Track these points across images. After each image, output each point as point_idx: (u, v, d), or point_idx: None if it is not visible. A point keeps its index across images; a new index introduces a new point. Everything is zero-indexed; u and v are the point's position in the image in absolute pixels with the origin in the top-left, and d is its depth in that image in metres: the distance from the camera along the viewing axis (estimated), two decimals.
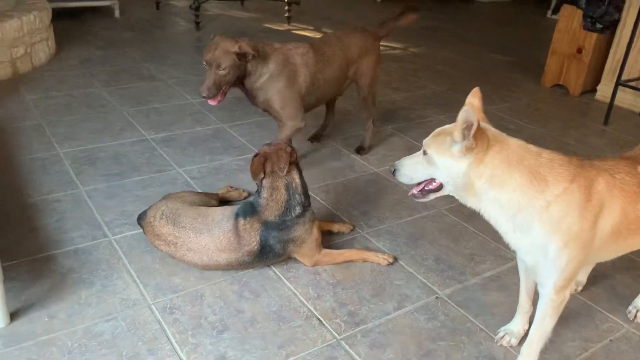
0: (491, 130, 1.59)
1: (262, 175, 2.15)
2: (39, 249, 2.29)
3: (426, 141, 1.64)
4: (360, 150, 3.36)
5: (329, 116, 3.48)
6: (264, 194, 2.17)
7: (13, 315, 1.93)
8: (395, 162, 1.74)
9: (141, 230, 2.38)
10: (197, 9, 5.84)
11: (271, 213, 2.16)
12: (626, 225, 1.62)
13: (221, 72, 2.60)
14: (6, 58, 4.06)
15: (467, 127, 1.48)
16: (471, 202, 1.63)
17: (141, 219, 2.33)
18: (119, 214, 2.58)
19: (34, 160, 3.00)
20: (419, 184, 1.72)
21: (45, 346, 1.82)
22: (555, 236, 1.55)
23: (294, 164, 2.20)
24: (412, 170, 1.69)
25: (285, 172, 2.14)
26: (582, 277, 2.28)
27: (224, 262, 2.17)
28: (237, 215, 2.20)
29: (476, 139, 1.49)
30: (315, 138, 3.47)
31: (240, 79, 2.70)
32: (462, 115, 1.48)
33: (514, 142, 1.58)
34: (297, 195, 2.19)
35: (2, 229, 2.39)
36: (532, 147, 1.60)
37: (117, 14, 6.19)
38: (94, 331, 1.90)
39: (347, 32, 3.11)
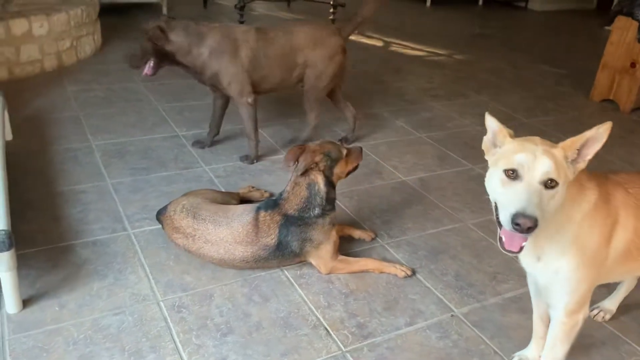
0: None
1: (292, 164, 2.18)
2: (60, 238, 2.33)
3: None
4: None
5: (348, 117, 3.45)
6: (288, 187, 2.22)
7: (26, 303, 1.97)
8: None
9: (160, 226, 2.39)
10: (242, 8, 5.88)
11: (291, 207, 2.19)
12: (637, 245, 1.50)
13: (144, 45, 2.81)
14: (52, 50, 4.20)
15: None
16: (559, 220, 1.45)
17: (160, 214, 2.35)
18: (141, 208, 2.60)
19: (67, 151, 3.07)
20: None
21: (52, 335, 1.85)
22: (569, 255, 1.45)
23: (319, 170, 2.18)
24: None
25: (300, 172, 2.14)
26: (612, 306, 2.14)
27: (240, 255, 2.16)
28: (258, 209, 2.22)
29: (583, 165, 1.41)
30: (345, 140, 3.42)
31: (173, 57, 2.86)
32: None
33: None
34: (318, 198, 2.18)
35: (27, 215, 2.45)
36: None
37: (164, 10, 6.32)
38: (101, 324, 1.91)
39: (300, 22, 3.24)
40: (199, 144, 3.26)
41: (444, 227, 2.68)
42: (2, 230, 1.84)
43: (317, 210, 2.19)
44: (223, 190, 2.77)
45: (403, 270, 2.29)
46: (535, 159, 1.32)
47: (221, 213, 2.23)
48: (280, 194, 2.24)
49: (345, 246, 2.43)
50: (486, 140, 1.50)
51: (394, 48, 5.94)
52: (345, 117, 3.46)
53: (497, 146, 1.45)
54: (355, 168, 2.36)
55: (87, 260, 2.23)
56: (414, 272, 2.31)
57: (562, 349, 1.61)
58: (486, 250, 2.51)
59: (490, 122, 1.47)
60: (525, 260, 1.56)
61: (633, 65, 4.41)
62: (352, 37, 6.11)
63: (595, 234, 1.45)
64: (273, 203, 2.24)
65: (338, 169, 2.24)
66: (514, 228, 1.28)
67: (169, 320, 1.96)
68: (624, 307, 2.18)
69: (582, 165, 1.39)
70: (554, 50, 6.50)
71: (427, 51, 5.90)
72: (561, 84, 5.16)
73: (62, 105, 3.65)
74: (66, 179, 2.79)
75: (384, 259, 2.38)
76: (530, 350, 1.86)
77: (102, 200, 2.64)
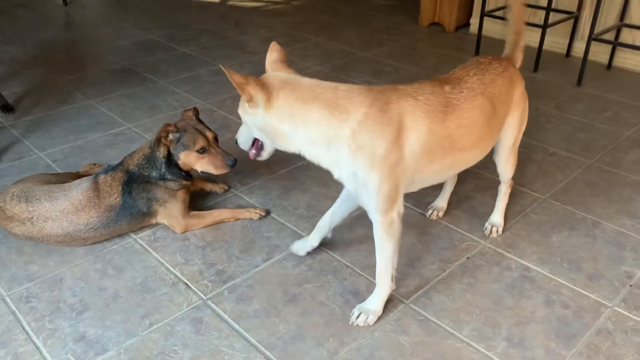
0: (281, 75, 1.68)
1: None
2: None
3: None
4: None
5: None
6: (138, 147, 2.28)
7: None
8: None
9: None
10: None
11: (132, 162, 2.21)
12: (438, 144, 1.68)
13: None
14: None
15: (238, 85, 1.60)
16: (290, 147, 1.71)
17: None
18: None
19: None
20: (253, 144, 1.83)
21: None
22: (361, 162, 1.61)
23: (164, 143, 2.17)
24: (241, 135, 1.84)
25: (154, 139, 2.20)
26: (442, 203, 2.38)
27: (85, 223, 2.11)
28: (97, 175, 2.21)
29: (252, 91, 1.60)
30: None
31: None
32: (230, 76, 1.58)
33: (307, 81, 1.66)
34: (157, 163, 2.19)
35: None
36: (327, 83, 1.66)
37: None
38: None
39: None
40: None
41: (294, 165, 2.77)
42: None
43: (155, 173, 2.19)
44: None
45: (257, 213, 2.36)
46: None
47: (56, 189, 2.16)
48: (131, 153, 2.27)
49: (199, 202, 2.45)
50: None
51: (231, 3, 5.85)
52: None
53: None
54: (216, 174, 2.27)
55: None
56: (268, 212, 2.40)
57: (388, 246, 1.78)
58: (332, 180, 2.64)
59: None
60: (334, 172, 1.72)
61: None
62: None
63: (377, 139, 1.59)
64: (115, 165, 2.24)
65: (184, 157, 2.19)
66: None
67: (17, 313, 1.87)
68: (455, 202, 2.44)
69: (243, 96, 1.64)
70: None
71: (265, 1, 5.88)
72: (393, 14, 5.43)
73: None
74: None
75: (239, 207, 2.43)
76: (310, 239, 2.14)
77: None
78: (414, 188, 1.84)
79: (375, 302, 1.84)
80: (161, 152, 2.18)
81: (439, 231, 2.29)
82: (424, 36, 4.81)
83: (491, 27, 4.45)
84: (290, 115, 1.61)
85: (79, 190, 2.14)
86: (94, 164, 2.67)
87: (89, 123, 3.16)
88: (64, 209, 2.10)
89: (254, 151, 1.84)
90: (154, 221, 2.26)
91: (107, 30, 4.85)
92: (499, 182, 2.28)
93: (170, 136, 2.17)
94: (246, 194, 2.55)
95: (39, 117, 3.24)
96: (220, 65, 1.59)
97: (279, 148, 1.77)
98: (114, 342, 1.76)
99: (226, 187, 2.57)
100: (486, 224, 2.29)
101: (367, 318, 1.82)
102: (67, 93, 3.55)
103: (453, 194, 2.40)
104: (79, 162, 2.75)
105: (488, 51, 4.29)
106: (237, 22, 5.15)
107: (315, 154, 1.68)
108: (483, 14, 4.18)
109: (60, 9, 5.51)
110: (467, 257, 2.14)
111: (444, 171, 1.88)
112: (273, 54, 1.75)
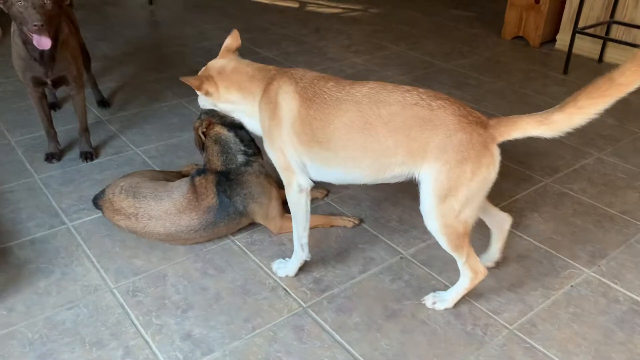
0: (218, 63, 2.01)
1: (200, 141, 2.28)
2: None
3: None
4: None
5: None
6: (205, 153, 2.29)
7: None
8: None
9: (100, 215, 2.33)
10: None
11: (216, 165, 2.23)
12: (301, 126, 1.84)
13: None
14: None
15: (196, 87, 1.98)
16: (242, 120, 2.07)
17: (98, 199, 2.28)
18: (76, 199, 2.51)
19: None
20: None
21: (4, 340, 1.79)
22: (263, 135, 1.96)
23: (212, 124, 2.24)
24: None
25: (201, 131, 2.25)
26: (491, 255, 2.11)
27: (186, 224, 2.15)
28: (192, 176, 2.25)
29: (207, 87, 1.96)
30: None
31: None
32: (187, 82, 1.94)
33: (230, 68, 1.98)
34: (231, 145, 2.24)
35: None
36: (244, 68, 1.98)
37: None
38: (55, 320, 1.87)
39: None
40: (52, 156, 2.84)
41: None
42: None
43: (239, 158, 2.23)
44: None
45: (351, 221, 2.36)
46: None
47: (161, 189, 2.22)
48: (204, 162, 2.30)
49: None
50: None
51: (310, 8, 5.90)
52: None
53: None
54: None
55: (27, 260, 2.14)
56: (361, 221, 2.39)
57: (294, 214, 2.01)
58: None
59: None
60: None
61: (537, 1, 4.62)
62: (265, 1, 6.03)
63: (265, 116, 1.92)
64: (203, 169, 2.27)
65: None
66: None
67: (125, 306, 1.93)
68: (555, 227, 2.36)
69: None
70: None
71: (343, 8, 5.90)
72: (473, 26, 5.34)
73: None
74: None
75: (331, 214, 2.44)
76: None
77: (32, 197, 2.52)
78: (318, 177, 1.97)
79: (288, 269, 2.09)
80: (222, 131, 2.23)
81: (539, 256, 2.22)
82: (508, 50, 4.70)
83: (579, 44, 4.30)
84: (226, 99, 1.99)
85: (180, 192, 2.19)
86: (195, 164, 2.72)
87: (181, 122, 3.24)
88: (167, 210, 2.16)
89: None
90: (250, 221, 2.28)
91: (191, 31, 4.97)
92: (599, 207, 2.17)
93: (209, 120, 2.23)
94: (337, 202, 2.56)
95: (132, 114, 3.36)
96: (180, 78, 1.94)
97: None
98: (219, 344, 1.79)
99: (325, 192, 2.58)
100: (433, 295, 1.98)
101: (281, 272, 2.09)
102: (158, 91, 3.66)
103: (552, 217, 2.33)
104: (174, 161, 2.83)
105: (577, 70, 4.17)
106: (317, 27, 5.18)
107: (251, 127, 2.06)
108: (575, 31, 4.05)
109: (145, 8, 5.70)
110: (571, 286, 2.07)
111: (323, 166, 1.90)
112: (229, 41, 2.08)
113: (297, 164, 1.91)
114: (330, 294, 2.00)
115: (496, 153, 1.72)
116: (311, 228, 2.31)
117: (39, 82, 2.62)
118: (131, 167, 2.77)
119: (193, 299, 1.97)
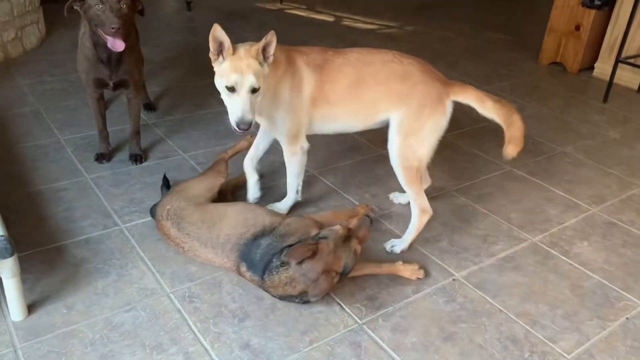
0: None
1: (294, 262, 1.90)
2: (50, 239, 2.25)
3: None
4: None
5: None
6: (278, 271, 1.93)
7: (30, 308, 1.90)
8: None
9: (151, 218, 2.35)
10: None
11: (274, 288, 1.96)
12: (317, 91, 2.17)
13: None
14: None
15: None
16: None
17: (153, 212, 2.30)
18: (128, 201, 2.54)
19: (36, 148, 2.93)
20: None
21: (66, 338, 1.80)
22: (277, 106, 2.18)
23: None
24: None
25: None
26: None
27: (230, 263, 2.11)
28: (241, 258, 2.05)
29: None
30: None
31: None
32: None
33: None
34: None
35: (10, 219, 2.33)
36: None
37: None
38: (115, 322, 1.88)
39: None
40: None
41: (429, 195, 2.74)
42: (1, 236, 1.76)
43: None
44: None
45: (416, 272, 2.17)
46: (243, 77, 1.96)
47: (205, 229, 2.12)
48: (267, 264, 1.95)
49: None
50: (213, 50, 2.04)
51: (345, 23, 5.95)
52: None
53: (222, 57, 2.03)
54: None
55: (84, 259, 2.16)
56: (426, 273, 2.20)
57: (293, 166, 2.36)
58: (472, 215, 2.63)
59: (219, 34, 2.00)
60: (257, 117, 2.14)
61: (577, 28, 4.63)
62: (302, 13, 6.08)
63: (287, 89, 2.15)
64: (255, 265, 1.99)
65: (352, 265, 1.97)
66: (239, 130, 1.98)
67: (183, 312, 1.95)
68: (606, 256, 2.35)
69: (270, 60, 2.03)
70: (498, 17, 6.70)
71: (379, 24, 5.95)
72: (510, 49, 5.35)
73: (18, 100, 3.46)
74: (42, 178, 2.67)
75: (378, 230, 2.44)
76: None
77: (85, 197, 2.55)
78: (321, 131, 2.35)
79: (283, 205, 2.47)
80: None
81: (592, 286, 2.21)
82: (546, 75, 4.71)
83: (619, 74, 4.29)
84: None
85: (225, 255, 2.08)
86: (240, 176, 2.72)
87: (227, 130, 3.24)
88: (212, 259, 2.11)
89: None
90: None
91: (231, 39, 5.01)
92: None
93: (334, 276, 1.91)
94: (384, 218, 2.56)
95: (178, 119, 3.39)
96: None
97: None
98: (277, 355, 1.80)
99: (375, 209, 2.57)
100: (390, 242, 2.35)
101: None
102: (202, 97, 3.70)
103: (602, 247, 2.32)
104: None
105: (616, 99, 4.16)
106: (354, 43, 5.21)
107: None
108: (618, 60, 4.05)
109: (184, 14, 5.78)
110: (627, 318, 2.05)
111: (326, 121, 2.29)
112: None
113: (304, 128, 2.26)
114: (385, 312, 2.00)
115: (448, 105, 2.20)
116: (373, 274, 2.18)
117: (101, 84, 2.66)
118: (179, 172, 2.80)
119: (249, 308, 1.98)
